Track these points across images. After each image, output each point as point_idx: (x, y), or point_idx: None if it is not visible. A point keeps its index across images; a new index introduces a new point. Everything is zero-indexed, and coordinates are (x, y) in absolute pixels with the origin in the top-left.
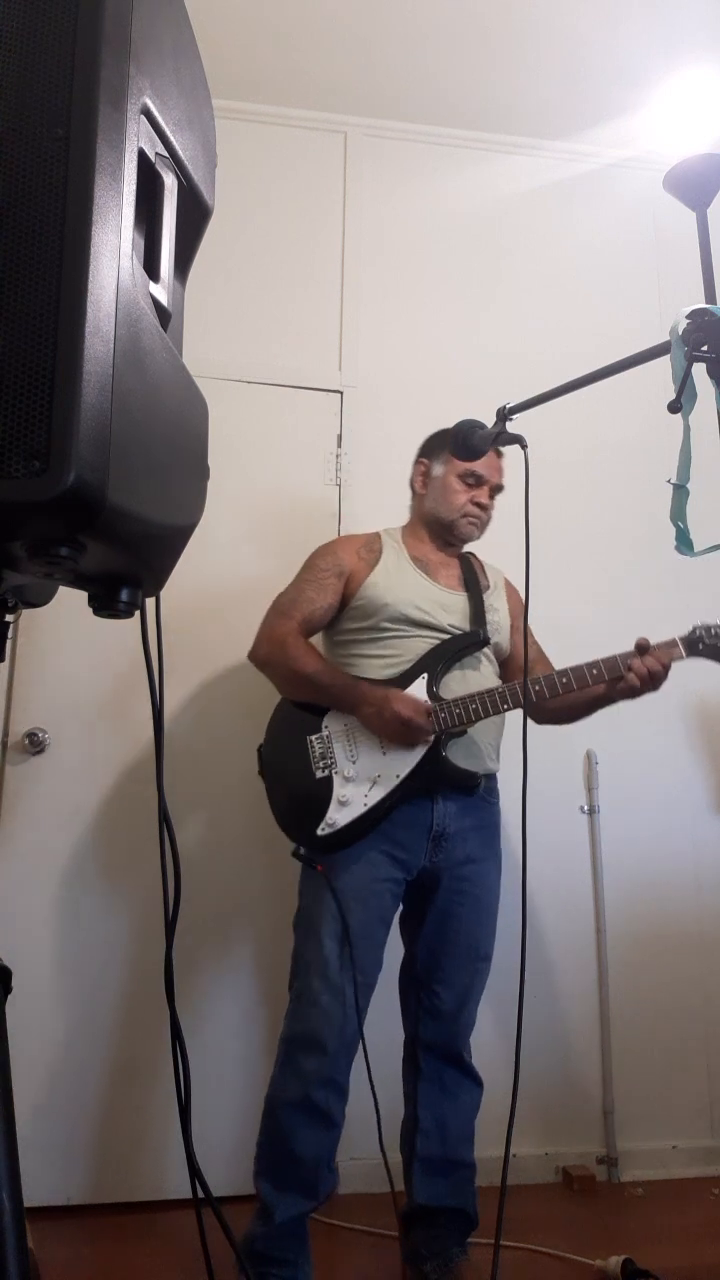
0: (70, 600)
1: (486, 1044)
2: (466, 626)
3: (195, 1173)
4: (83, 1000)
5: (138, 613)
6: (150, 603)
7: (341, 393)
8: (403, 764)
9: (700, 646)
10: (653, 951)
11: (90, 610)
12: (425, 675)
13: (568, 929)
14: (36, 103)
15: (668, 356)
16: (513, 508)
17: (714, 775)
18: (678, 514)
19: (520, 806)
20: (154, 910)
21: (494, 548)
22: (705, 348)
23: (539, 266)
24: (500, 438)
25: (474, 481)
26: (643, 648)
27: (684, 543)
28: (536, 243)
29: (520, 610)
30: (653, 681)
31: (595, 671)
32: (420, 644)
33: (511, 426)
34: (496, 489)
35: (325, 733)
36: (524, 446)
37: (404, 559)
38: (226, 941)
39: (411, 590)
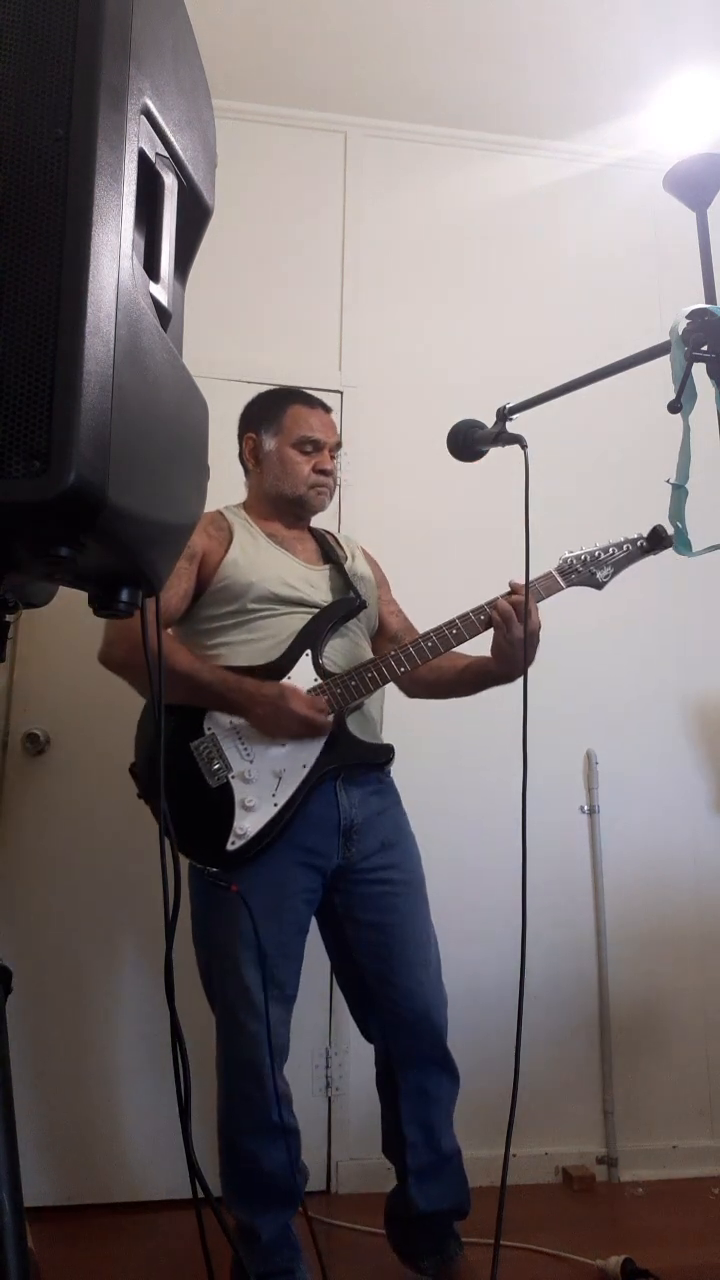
0: (70, 600)
1: (487, 1044)
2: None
3: (195, 1173)
4: (82, 1000)
5: (138, 612)
6: (150, 602)
7: (341, 393)
8: (306, 752)
9: (573, 576)
10: (653, 951)
11: (90, 610)
12: (309, 652)
13: (568, 929)
14: (36, 103)
15: (668, 356)
16: (513, 507)
17: (714, 775)
18: (677, 514)
19: (520, 806)
20: (154, 910)
21: (493, 548)
22: (705, 348)
23: (539, 266)
24: (500, 437)
25: (313, 448)
26: (516, 587)
27: (683, 543)
28: (537, 242)
29: (384, 580)
30: (518, 618)
31: (483, 618)
32: (292, 621)
33: (511, 426)
34: (336, 448)
35: (209, 734)
36: (524, 446)
37: (259, 535)
38: None
39: (275, 566)
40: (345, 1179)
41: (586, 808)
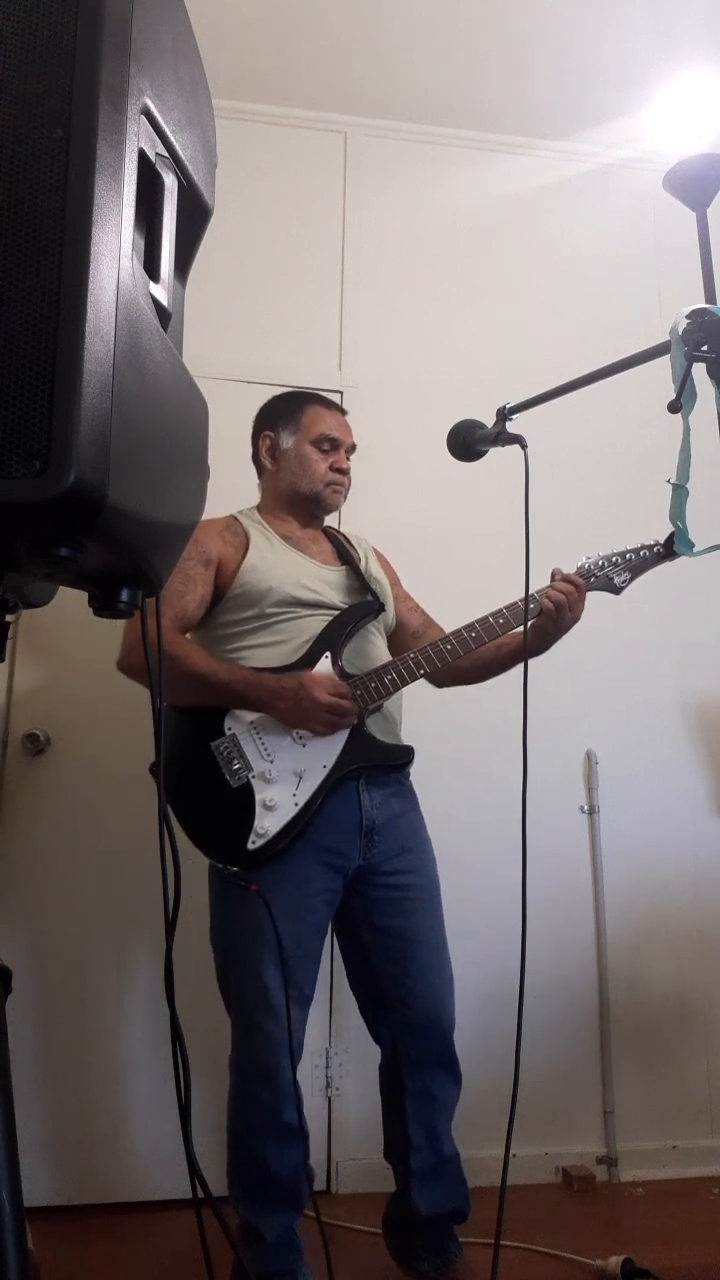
0: (70, 600)
1: (486, 1044)
2: (354, 602)
3: (195, 1173)
4: (82, 1000)
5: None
6: (150, 603)
7: (341, 392)
8: (326, 752)
9: (592, 580)
10: (653, 951)
11: (90, 611)
12: (329, 653)
13: (568, 929)
14: (36, 103)
15: (668, 356)
16: (513, 508)
17: (714, 775)
18: (677, 514)
19: (520, 806)
20: (154, 910)
21: (493, 548)
22: (705, 348)
23: (539, 266)
24: (500, 438)
25: (330, 446)
26: (555, 575)
27: (684, 543)
28: (536, 242)
29: (396, 578)
30: (571, 610)
31: (501, 621)
32: (312, 623)
33: (511, 426)
34: (352, 449)
35: (229, 734)
36: (524, 446)
37: (274, 538)
38: None
39: (293, 569)
40: (345, 1179)
41: (586, 808)
